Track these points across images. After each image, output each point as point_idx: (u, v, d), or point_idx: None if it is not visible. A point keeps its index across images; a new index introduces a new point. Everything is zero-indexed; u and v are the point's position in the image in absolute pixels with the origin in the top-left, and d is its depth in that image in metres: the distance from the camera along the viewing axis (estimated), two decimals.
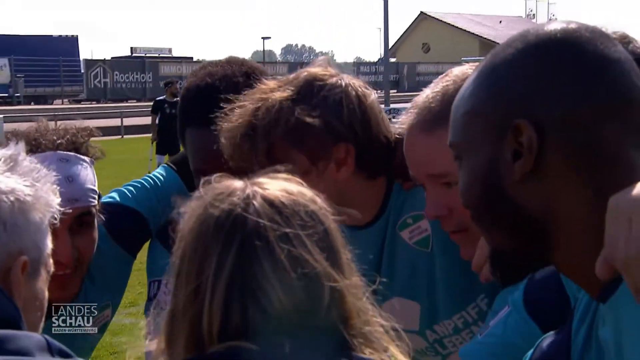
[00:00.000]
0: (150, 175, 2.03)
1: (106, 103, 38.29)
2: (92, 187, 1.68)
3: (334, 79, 1.66)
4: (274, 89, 1.66)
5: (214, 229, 1.00)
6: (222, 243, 0.99)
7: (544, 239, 1.02)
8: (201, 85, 1.82)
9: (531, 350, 1.19)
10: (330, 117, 1.62)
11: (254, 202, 1.01)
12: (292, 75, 1.69)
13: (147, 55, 49.23)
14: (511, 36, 1.07)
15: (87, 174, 1.68)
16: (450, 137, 1.10)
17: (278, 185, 1.05)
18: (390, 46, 33.22)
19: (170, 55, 51.92)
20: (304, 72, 1.68)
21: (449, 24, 64.12)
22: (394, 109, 22.68)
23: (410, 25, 66.81)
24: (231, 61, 1.89)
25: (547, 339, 1.18)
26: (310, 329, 0.98)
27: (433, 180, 1.56)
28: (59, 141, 1.68)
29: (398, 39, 65.95)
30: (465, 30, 63.04)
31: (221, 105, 1.67)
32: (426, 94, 1.55)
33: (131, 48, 53.20)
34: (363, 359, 1.01)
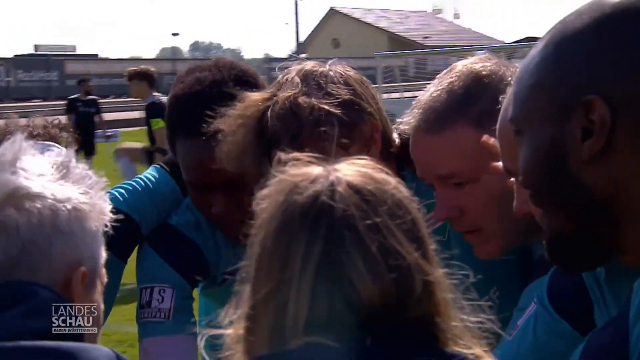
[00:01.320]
0: (142, 176, 1.92)
1: (10, 103, 36.88)
2: None
3: (326, 67, 1.60)
4: (271, 95, 1.56)
5: (299, 217, 0.95)
6: (308, 231, 0.94)
7: (610, 221, 0.97)
8: (190, 93, 1.73)
9: (580, 349, 1.15)
10: (348, 96, 1.55)
11: (339, 189, 0.95)
12: (278, 81, 1.60)
13: (52, 53, 47.66)
14: (584, 4, 1.00)
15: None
16: (512, 112, 1.05)
17: (360, 172, 0.99)
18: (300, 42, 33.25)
19: (75, 53, 50.48)
20: (292, 73, 1.59)
21: (357, 19, 64.83)
22: None
23: (320, 21, 67.16)
24: (219, 64, 1.79)
25: (596, 335, 1.14)
26: (398, 323, 0.94)
27: (442, 181, 1.52)
28: (37, 132, 1.57)
29: (309, 35, 66.19)
30: (373, 25, 63.87)
31: (213, 113, 1.60)
32: (430, 93, 1.49)
33: (35, 46, 51.49)
34: (453, 354, 0.95)
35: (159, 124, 8.05)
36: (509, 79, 1.44)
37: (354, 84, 1.57)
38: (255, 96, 1.57)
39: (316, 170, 0.99)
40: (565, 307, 1.33)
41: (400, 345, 0.93)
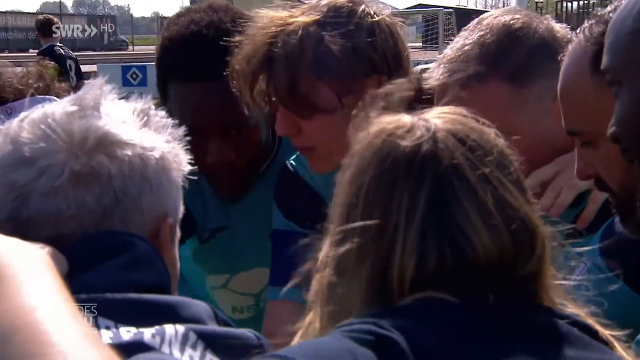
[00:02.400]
0: None
1: None
2: None
3: (362, 6, 1.51)
4: (293, 15, 1.49)
5: (404, 164, 0.88)
6: (413, 181, 0.87)
7: None
8: (187, 34, 1.64)
9: None
10: (363, 45, 1.47)
11: (442, 138, 0.90)
12: (311, 3, 1.53)
13: None
14: None
15: None
16: (608, 61, 0.98)
17: (458, 120, 0.93)
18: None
19: None
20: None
21: None
22: None
23: None
24: (213, 6, 1.71)
25: None
26: (514, 279, 0.88)
27: None
28: (37, 84, 1.42)
29: None
30: None
31: (211, 55, 1.54)
32: (459, 46, 1.40)
33: None
34: (565, 314, 0.90)
35: None
36: (541, 31, 1.39)
37: (378, 34, 1.49)
38: (275, 14, 1.50)
39: (407, 117, 0.94)
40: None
41: (522, 304, 0.89)
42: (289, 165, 1.72)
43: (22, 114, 0.93)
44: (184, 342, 0.79)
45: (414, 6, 48.28)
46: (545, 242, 0.91)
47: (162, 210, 0.94)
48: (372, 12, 1.51)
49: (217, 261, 1.94)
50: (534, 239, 0.90)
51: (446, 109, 0.97)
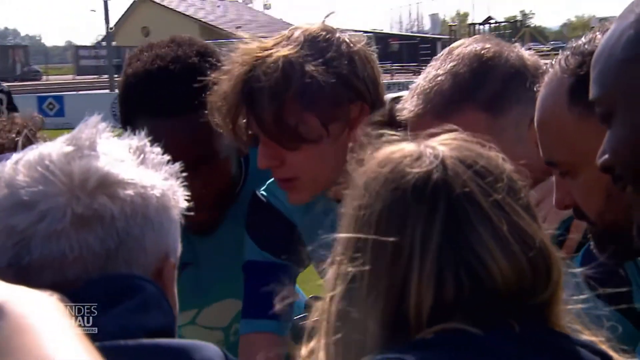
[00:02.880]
0: None
1: None
2: None
3: (337, 34, 1.53)
4: (267, 47, 1.49)
5: (415, 193, 0.88)
6: (426, 208, 0.87)
7: None
8: (152, 70, 1.61)
9: None
10: (345, 72, 1.49)
11: (451, 166, 0.89)
12: (282, 34, 1.53)
13: None
14: None
15: None
16: (597, 91, 0.97)
17: (463, 146, 0.92)
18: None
19: None
20: (299, 30, 1.53)
21: (167, 7, 63.59)
22: None
23: (128, 8, 65.14)
24: (177, 41, 1.68)
25: None
26: (527, 307, 0.87)
27: None
28: (18, 139, 1.32)
29: (117, 22, 63.98)
30: (184, 13, 62.91)
31: (179, 90, 1.55)
32: (431, 77, 1.40)
33: None
34: (584, 342, 0.90)
35: None
36: (512, 60, 1.40)
37: (357, 61, 1.51)
38: (252, 45, 1.50)
39: (412, 146, 0.93)
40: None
41: (545, 332, 0.88)
42: (259, 196, 1.71)
43: (14, 156, 0.90)
44: None
45: None
46: (560, 268, 0.90)
47: (163, 250, 0.92)
48: (347, 40, 1.53)
49: (184, 297, 1.90)
50: (550, 265, 0.89)
51: (449, 134, 0.96)
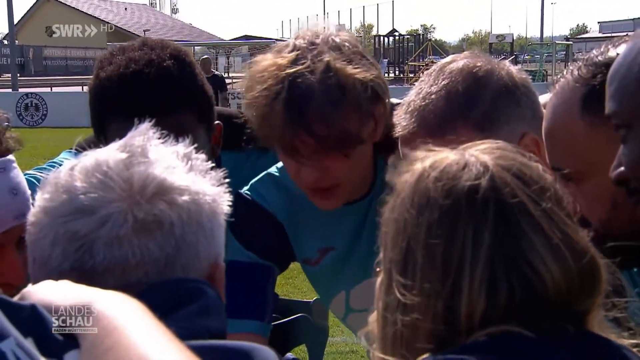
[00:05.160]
0: (57, 160, 1.78)
1: None
2: (28, 192, 1.36)
3: (335, 35, 1.55)
4: (296, 59, 1.48)
5: (465, 200, 0.90)
6: (477, 215, 0.89)
7: None
8: (126, 73, 1.59)
9: None
10: (374, 74, 1.51)
11: (499, 174, 0.92)
12: (291, 46, 1.52)
13: None
14: None
15: (22, 179, 1.36)
16: (614, 106, 1.01)
17: (507, 156, 0.95)
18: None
19: None
20: (303, 38, 1.53)
21: (73, 7, 62.44)
22: (26, 93, 22.10)
23: (31, 7, 63.60)
24: (148, 44, 1.66)
25: None
26: (573, 313, 0.90)
27: None
28: None
29: (19, 21, 62.35)
30: (90, 15, 61.95)
31: (155, 94, 1.54)
32: (423, 95, 1.40)
33: None
34: (621, 345, 0.93)
35: None
36: (503, 77, 1.41)
37: (373, 62, 1.54)
38: (277, 60, 1.49)
39: (454, 155, 0.96)
40: None
41: (593, 337, 0.91)
42: (244, 195, 1.70)
43: (69, 162, 0.92)
44: None
45: (239, 37, 49.20)
46: (605, 277, 0.93)
47: (214, 255, 0.94)
48: (351, 40, 1.56)
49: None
50: (596, 272, 0.92)
51: (486, 143, 0.98)
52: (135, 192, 0.87)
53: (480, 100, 1.38)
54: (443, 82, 1.40)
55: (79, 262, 0.86)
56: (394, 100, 1.59)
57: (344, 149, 1.51)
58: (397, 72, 42.89)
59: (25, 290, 0.83)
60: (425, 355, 0.87)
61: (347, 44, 1.52)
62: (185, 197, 0.89)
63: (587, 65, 1.19)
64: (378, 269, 0.98)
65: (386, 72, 41.18)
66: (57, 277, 0.85)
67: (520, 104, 1.39)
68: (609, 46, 1.18)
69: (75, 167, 0.90)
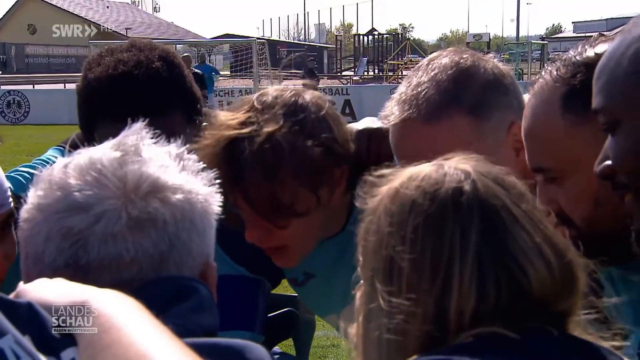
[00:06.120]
0: (45, 158, 1.79)
1: None
2: (6, 183, 1.34)
3: (306, 96, 1.54)
4: (246, 122, 1.49)
5: (450, 203, 0.92)
6: (462, 217, 0.91)
7: None
8: (115, 75, 1.61)
9: None
10: (328, 140, 1.51)
11: (479, 179, 0.94)
12: (249, 101, 1.54)
13: None
14: None
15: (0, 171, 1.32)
16: (602, 101, 1.01)
17: (483, 165, 0.98)
18: None
19: None
20: (269, 97, 1.52)
21: (55, 5, 62.65)
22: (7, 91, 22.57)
23: (13, 5, 63.74)
24: (137, 45, 1.68)
25: None
26: (555, 314, 0.93)
27: None
28: None
29: (1, 19, 62.46)
30: (73, 13, 62.17)
31: (144, 95, 1.57)
32: (413, 86, 1.42)
33: None
34: (603, 347, 0.94)
35: None
36: (489, 68, 1.44)
37: (332, 125, 1.52)
38: (228, 119, 1.51)
39: (428, 167, 0.98)
40: None
41: (572, 339, 0.93)
42: (234, 211, 1.64)
43: (61, 160, 0.92)
44: None
45: (220, 36, 49.61)
46: (584, 278, 0.95)
47: (206, 254, 0.94)
48: (316, 103, 1.54)
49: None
50: (575, 272, 0.94)
51: (460, 155, 0.99)
52: (129, 190, 0.88)
53: (470, 88, 1.41)
54: (432, 73, 1.42)
55: (74, 258, 0.87)
56: (353, 126, 1.63)
57: (277, 220, 1.52)
58: (376, 71, 43.56)
59: (20, 287, 0.83)
60: (414, 357, 0.89)
61: (310, 106, 1.52)
62: (179, 196, 0.91)
63: (565, 65, 1.21)
64: (358, 284, 1.00)
65: (366, 71, 41.82)
66: (50, 273, 0.86)
67: (508, 93, 1.42)
68: (586, 46, 1.20)
69: (69, 165, 0.91)
